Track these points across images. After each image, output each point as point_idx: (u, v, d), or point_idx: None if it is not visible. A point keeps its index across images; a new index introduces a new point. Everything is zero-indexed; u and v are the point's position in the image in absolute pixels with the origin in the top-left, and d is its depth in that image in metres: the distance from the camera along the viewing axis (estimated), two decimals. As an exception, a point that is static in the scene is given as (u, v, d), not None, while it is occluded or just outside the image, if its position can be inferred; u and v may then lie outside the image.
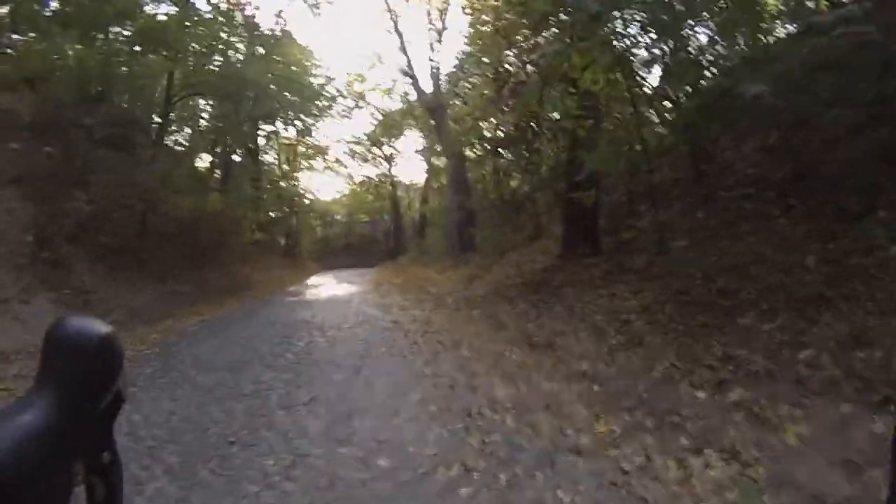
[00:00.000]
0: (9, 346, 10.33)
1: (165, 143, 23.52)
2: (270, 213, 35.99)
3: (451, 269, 23.90)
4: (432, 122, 31.42)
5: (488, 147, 21.01)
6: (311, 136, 40.84)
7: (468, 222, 25.79)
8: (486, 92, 19.33)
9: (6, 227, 13.82)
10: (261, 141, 37.59)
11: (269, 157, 42.12)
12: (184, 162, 26.24)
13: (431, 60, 31.10)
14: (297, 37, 32.06)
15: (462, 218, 26.10)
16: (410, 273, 27.27)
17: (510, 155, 19.47)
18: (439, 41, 30.99)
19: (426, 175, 43.35)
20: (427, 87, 31.82)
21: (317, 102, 34.45)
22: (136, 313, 15.01)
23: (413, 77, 31.81)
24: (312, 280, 32.55)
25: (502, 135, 19.75)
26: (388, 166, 47.96)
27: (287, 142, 41.48)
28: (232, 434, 6.41)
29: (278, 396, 7.94)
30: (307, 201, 45.36)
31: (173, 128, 26.91)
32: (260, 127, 33.80)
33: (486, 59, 19.82)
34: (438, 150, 33.11)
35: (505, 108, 17.91)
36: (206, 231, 23.69)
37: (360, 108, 41.73)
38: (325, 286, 27.63)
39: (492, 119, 20.51)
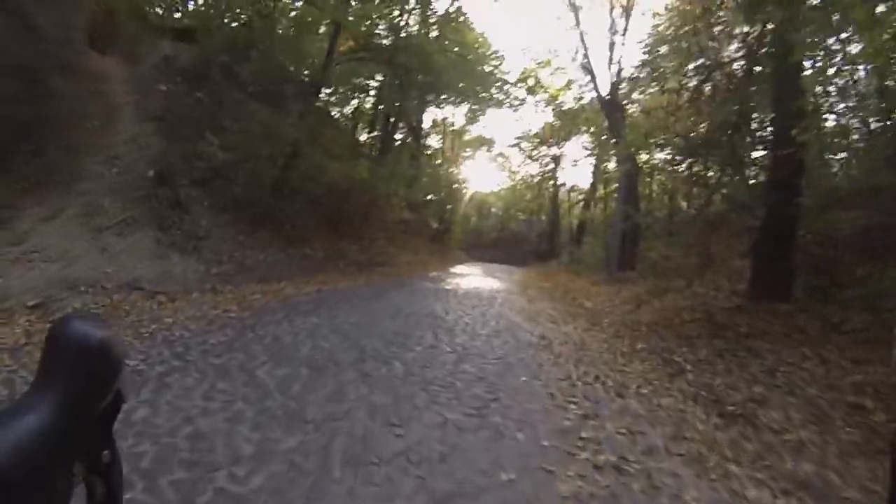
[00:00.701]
0: (81, 276, 9.58)
1: (318, 104, 22.04)
2: (426, 196, 34.74)
3: (606, 285, 21.32)
4: (606, 123, 28.72)
5: (674, 151, 17.78)
6: (477, 121, 39.60)
7: (632, 238, 23.33)
8: (682, 83, 16.04)
9: (134, 160, 13.32)
10: (426, 124, 36.88)
11: (432, 143, 41.47)
12: (337, 125, 24.89)
13: (611, 61, 28.09)
14: (473, 23, 29.73)
15: (626, 231, 23.39)
16: (561, 280, 24.97)
17: (696, 165, 16.06)
18: (623, 42, 29.25)
19: (591, 181, 40.77)
20: (604, 87, 28.93)
21: (489, 90, 33.08)
22: (248, 270, 14.08)
23: (591, 73, 29.08)
24: (457, 268, 31.00)
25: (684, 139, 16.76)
26: (553, 167, 46.07)
27: (452, 127, 40.41)
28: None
29: (346, 441, 5.06)
30: (465, 190, 45.37)
31: (330, 91, 25.90)
32: (426, 105, 32.64)
33: (685, 45, 16.55)
34: (611, 153, 30.18)
35: (699, 108, 14.88)
36: (353, 200, 22.51)
37: (532, 102, 40.73)
38: (469, 277, 25.70)
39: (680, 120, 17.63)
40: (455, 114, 36.04)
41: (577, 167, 43.70)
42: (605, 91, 28.12)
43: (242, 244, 14.82)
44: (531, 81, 38.48)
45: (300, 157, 18.88)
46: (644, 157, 23.66)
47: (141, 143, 13.79)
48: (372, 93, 28.92)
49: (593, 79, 28.89)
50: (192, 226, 13.76)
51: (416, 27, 25.70)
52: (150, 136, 14.18)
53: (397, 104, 28.14)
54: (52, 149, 11.48)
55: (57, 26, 12.62)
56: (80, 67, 13.26)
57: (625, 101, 26.87)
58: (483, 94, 33.66)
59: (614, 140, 25.84)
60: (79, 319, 1.49)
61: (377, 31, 21.96)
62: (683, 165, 16.65)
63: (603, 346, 10.56)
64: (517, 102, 38.33)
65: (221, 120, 16.72)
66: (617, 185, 29.03)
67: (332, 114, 26.51)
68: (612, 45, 28.00)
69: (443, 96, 31.66)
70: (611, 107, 27.11)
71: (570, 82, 37.02)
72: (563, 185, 47.52)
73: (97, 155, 12.61)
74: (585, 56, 29.28)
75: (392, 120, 29.65)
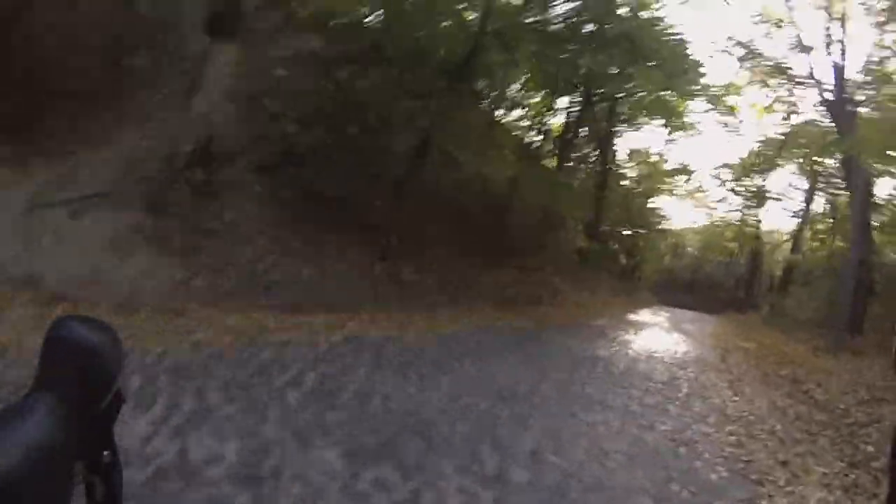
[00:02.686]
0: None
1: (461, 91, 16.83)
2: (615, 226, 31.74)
3: (832, 356, 15.34)
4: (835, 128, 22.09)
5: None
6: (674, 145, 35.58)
7: (865, 289, 17.58)
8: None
9: (177, 134, 11.06)
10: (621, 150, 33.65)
11: (625, 170, 37.35)
12: (501, 125, 21.07)
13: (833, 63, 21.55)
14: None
15: (861, 278, 17.53)
16: (766, 342, 18.79)
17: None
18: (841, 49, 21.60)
19: (801, 215, 35.03)
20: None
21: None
22: (275, 287, 10.51)
23: (815, 81, 22.69)
24: (639, 314, 24.44)
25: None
26: (755, 202, 39.65)
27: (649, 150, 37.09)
28: None
29: None
30: (660, 223, 41.33)
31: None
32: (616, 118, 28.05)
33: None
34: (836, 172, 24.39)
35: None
36: (514, 216, 18.59)
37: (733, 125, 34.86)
38: (649, 330, 19.24)
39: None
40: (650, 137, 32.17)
41: (781, 202, 37.60)
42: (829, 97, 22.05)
43: (282, 250, 11.27)
44: (732, 100, 32.57)
45: (432, 151, 15.11)
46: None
47: (208, 121, 11.68)
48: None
49: (817, 84, 22.60)
50: (209, 217, 10.63)
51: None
52: (225, 115, 12.12)
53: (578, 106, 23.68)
54: (92, 119, 10.04)
55: (169, 12, 12.10)
56: (175, 49, 12.09)
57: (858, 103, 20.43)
58: (680, 106, 28.32)
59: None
60: (78, 320, 1.38)
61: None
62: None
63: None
64: (723, 119, 33.46)
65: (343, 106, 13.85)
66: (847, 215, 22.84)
67: (496, 112, 21.74)
68: (828, 43, 21.74)
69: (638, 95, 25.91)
70: (839, 109, 20.68)
71: (776, 100, 30.84)
72: (762, 222, 41.42)
73: (137, 127, 10.65)
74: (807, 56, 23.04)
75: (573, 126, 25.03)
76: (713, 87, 29.18)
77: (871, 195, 18.86)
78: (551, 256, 21.68)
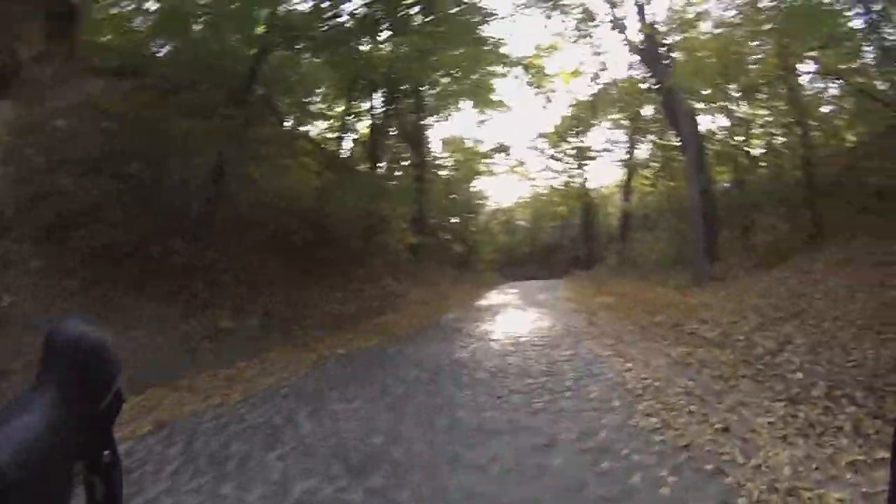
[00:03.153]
0: None
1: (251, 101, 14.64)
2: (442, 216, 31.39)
3: (704, 290, 14.42)
4: (650, 75, 22.67)
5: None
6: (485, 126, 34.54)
7: (711, 221, 17.33)
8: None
9: None
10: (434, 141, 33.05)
11: (444, 160, 36.85)
12: (307, 137, 19.44)
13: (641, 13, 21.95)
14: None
15: (706, 210, 17.18)
16: (626, 290, 17.86)
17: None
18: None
19: (626, 168, 35.37)
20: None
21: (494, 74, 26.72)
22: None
23: (619, 24, 23.31)
24: (488, 298, 22.56)
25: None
26: (577, 162, 40.55)
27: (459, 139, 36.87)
28: None
29: None
30: (488, 206, 42.24)
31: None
32: (424, 110, 27.19)
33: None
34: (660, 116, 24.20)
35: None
36: (337, 229, 17.52)
37: (546, 94, 34.99)
38: (505, 314, 16.65)
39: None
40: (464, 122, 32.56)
41: (603, 158, 38.66)
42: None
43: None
44: (536, 72, 33.01)
45: (227, 175, 13.14)
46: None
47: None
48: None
49: (620, 25, 23.22)
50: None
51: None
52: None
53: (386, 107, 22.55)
54: None
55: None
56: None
57: (667, 48, 20.91)
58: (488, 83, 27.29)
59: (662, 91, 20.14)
60: (76, 320, 1.39)
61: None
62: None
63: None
64: (539, 89, 33.77)
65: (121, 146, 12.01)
66: (677, 157, 22.81)
67: (300, 125, 19.93)
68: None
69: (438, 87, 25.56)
70: (651, 56, 21.09)
71: (579, 67, 32.20)
72: (587, 181, 42.20)
73: None
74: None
75: (382, 129, 23.55)
76: (520, 59, 29.33)
77: (698, 131, 18.81)
78: (384, 261, 19.96)
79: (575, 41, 27.81)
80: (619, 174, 37.80)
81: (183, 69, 13.33)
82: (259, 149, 14.73)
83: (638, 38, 22.21)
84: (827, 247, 12.63)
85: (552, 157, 41.28)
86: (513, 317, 15.60)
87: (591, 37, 26.86)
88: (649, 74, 22.66)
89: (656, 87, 21.62)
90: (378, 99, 22.48)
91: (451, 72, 22.84)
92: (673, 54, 20.06)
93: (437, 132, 37.28)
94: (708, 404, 6.06)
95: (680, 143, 19.83)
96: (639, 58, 23.18)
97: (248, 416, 6.87)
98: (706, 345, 8.89)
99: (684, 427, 5.44)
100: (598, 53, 30.30)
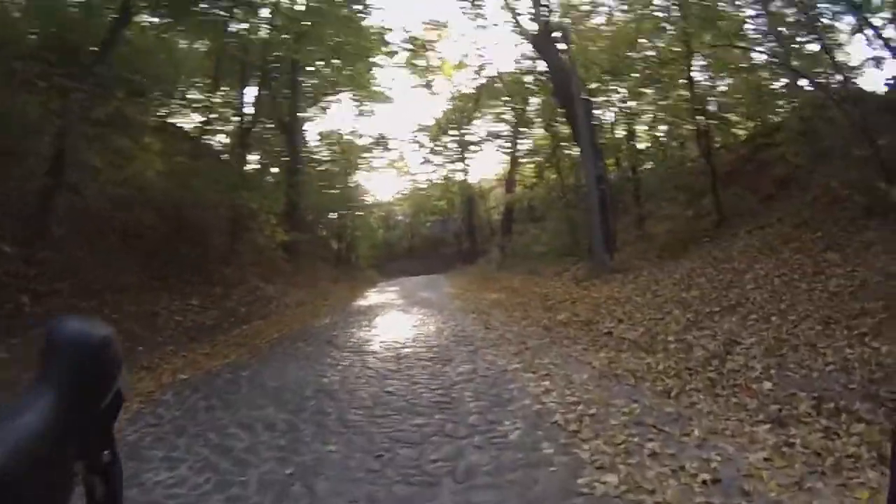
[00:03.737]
0: None
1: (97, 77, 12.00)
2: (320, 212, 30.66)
3: (605, 279, 13.23)
4: (542, 60, 21.82)
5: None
6: (368, 114, 35.42)
7: (607, 207, 16.05)
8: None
9: None
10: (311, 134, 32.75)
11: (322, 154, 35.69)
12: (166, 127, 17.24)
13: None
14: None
15: (603, 197, 15.83)
16: (512, 285, 16.60)
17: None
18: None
19: (508, 159, 35.05)
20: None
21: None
22: None
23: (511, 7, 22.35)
24: (367, 298, 20.63)
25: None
26: (458, 155, 39.82)
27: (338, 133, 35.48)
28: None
29: None
30: (366, 200, 40.34)
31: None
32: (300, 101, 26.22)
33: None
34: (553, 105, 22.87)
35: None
36: (203, 225, 15.68)
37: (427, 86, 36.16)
38: (385, 317, 14.47)
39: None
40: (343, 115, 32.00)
41: (484, 151, 38.69)
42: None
43: None
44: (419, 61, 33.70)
45: (73, 169, 11.04)
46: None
47: None
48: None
49: (515, 17, 22.25)
50: None
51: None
52: None
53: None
54: None
55: None
56: None
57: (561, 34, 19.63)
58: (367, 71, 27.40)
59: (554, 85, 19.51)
60: (76, 319, 1.23)
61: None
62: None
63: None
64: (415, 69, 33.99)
65: None
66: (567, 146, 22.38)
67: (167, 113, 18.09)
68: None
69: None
70: (545, 44, 19.89)
71: (463, 60, 32.79)
72: (468, 174, 41.59)
73: None
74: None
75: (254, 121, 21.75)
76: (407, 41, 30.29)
77: (592, 118, 17.70)
78: (253, 260, 17.89)
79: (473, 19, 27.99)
80: (502, 167, 37.60)
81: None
82: (104, 131, 12.29)
83: (531, 25, 21.47)
84: (736, 235, 11.77)
85: (432, 150, 40.55)
86: (394, 320, 13.63)
87: (483, 17, 26.62)
88: (540, 60, 22.11)
89: (548, 73, 20.91)
90: (252, 87, 21.47)
91: (332, 59, 22.67)
92: (568, 40, 18.98)
93: (315, 126, 37.07)
94: (672, 438, 4.45)
95: (571, 132, 19.09)
96: (530, 45, 22.44)
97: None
98: (631, 349, 7.44)
99: (659, 484, 3.76)
100: (481, 48, 31.19)
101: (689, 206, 15.03)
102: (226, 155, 21.20)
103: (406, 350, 9.46)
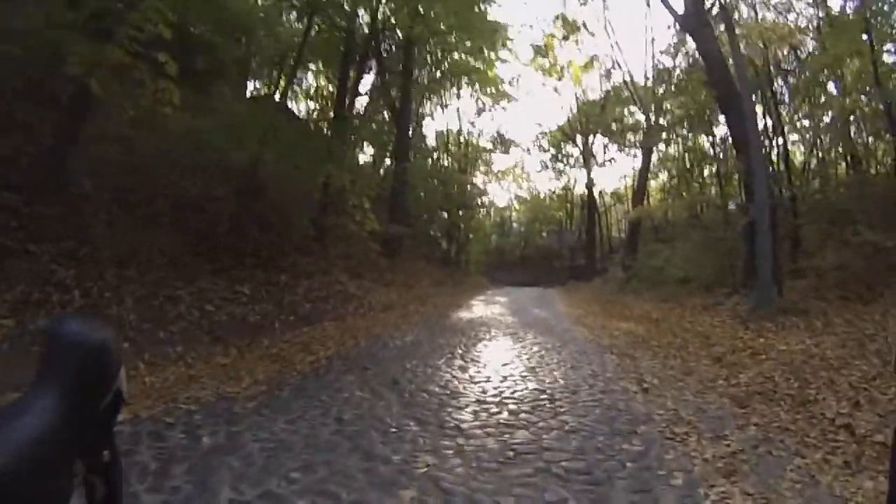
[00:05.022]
0: None
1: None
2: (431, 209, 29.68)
3: (776, 325, 9.72)
4: (697, 53, 18.16)
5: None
6: (489, 111, 34.95)
7: (775, 230, 12.97)
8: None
9: None
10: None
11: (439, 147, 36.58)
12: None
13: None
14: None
15: (774, 224, 12.86)
16: (647, 314, 13.35)
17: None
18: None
19: (640, 172, 31.05)
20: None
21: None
22: None
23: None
24: (470, 308, 17.41)
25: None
26: (582, 162, 37.19)
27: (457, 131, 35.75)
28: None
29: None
30: (483, 202, 39.52)
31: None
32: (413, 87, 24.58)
33: None
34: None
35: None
36: (285, 207, 13.82)
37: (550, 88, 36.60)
38: (487, 340, 10.68)
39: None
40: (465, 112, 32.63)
41: (611, 162, 36.65)
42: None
43: None
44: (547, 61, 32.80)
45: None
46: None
47: None
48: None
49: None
50: None
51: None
52: None
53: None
54: None
55: None
56: None
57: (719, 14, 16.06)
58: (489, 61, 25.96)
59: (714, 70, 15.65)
60: (76, 319, 1.33)
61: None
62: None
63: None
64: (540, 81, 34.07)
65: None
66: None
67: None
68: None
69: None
70: (696, 24, 15.80)
71: (593, 59, 31.59)
72: (594, 185, 38.25)
73: None
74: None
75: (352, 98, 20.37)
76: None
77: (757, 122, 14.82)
78: (342, 251, 15.46)
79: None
80: (629, 179, 35.62)
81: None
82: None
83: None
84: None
85: (554, 156, 39.44)
86: (501, 350, 9.68)
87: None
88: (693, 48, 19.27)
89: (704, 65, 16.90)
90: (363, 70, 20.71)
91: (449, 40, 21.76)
92: (730, 21, 15.19)
93: (433, 122, 36.95)
94: None
95: (732, 140, 15.88)
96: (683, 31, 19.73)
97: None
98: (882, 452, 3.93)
99: None
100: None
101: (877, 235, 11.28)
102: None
103: (520, 421, 5.24)
